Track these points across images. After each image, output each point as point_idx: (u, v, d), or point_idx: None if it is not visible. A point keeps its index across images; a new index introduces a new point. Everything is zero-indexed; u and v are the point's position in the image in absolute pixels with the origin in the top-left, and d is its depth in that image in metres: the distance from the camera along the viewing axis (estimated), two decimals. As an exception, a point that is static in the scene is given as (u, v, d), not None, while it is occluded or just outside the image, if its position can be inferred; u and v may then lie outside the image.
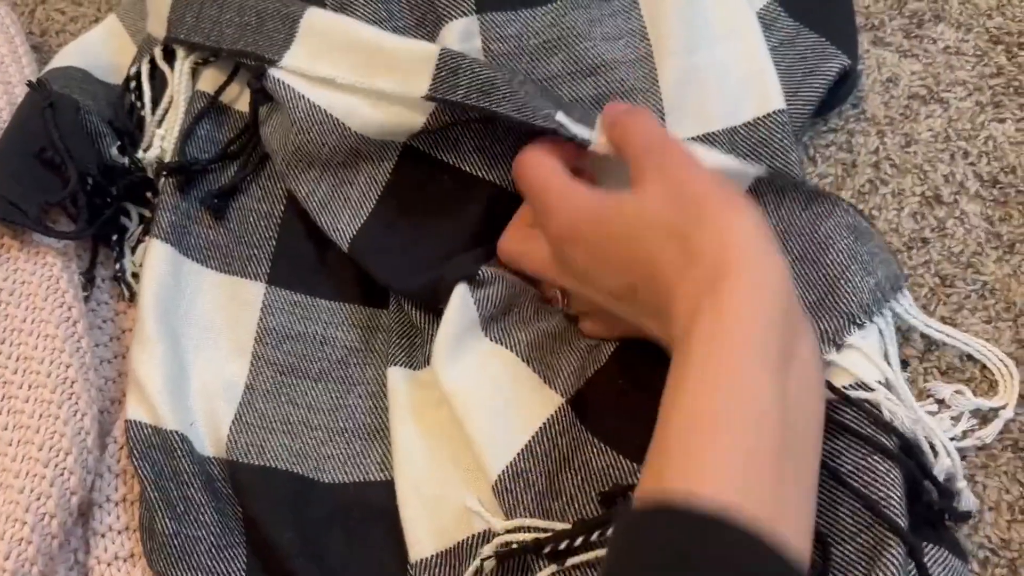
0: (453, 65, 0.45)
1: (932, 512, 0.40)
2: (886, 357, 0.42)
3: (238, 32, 0.50)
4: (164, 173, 0.50)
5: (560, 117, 0.42)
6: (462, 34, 0.49)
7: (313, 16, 0.49)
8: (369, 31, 0.48)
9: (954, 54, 0.52)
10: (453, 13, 0.50)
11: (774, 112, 0.47)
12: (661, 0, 0.50)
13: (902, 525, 0.36)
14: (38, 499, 0.42)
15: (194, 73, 0.52)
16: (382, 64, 0.46)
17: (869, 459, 0.38)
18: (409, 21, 0.52)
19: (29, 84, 0.51)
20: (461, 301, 0.44)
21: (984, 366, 0.44)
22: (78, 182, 0.48)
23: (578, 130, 0.42)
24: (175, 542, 0.42)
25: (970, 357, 0.45)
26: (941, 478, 0.40)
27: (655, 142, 0.40)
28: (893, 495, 0.37)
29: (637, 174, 0.39)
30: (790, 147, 0.46)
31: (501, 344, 0.45)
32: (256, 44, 0.49)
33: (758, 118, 0.47)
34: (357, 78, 0.47)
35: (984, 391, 0.44)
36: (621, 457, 0.41)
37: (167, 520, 0.43)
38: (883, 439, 0.39)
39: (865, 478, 0.38)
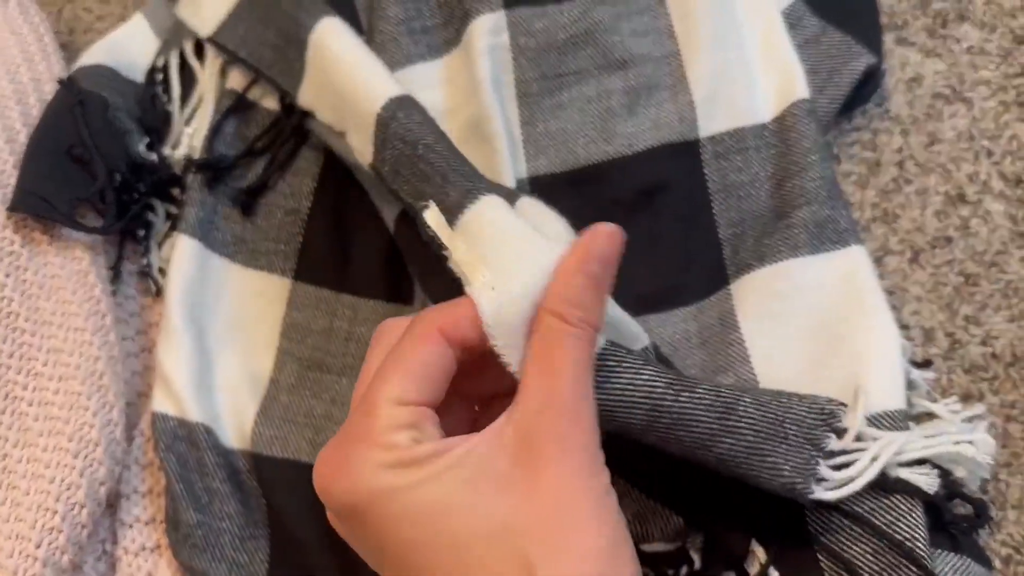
0: (384, 135, 0.43)
1: (955, 525, 0.39)
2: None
3: (274, 55, 0.50)
4: (192, 169, 0.51)
5: (429, 213, 0.35)
6: (491, 30, 0.50)
7: (317, 41, 0.48)
8: (355, 62, 0.46)
9: (978, 54, 0.52)
10: (481, 9, 0.50)
11: (798, 101, 0.47)
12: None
13: (929, 566, 0.36)
14: (68, 489, 0.42)
15: (222, 70, 0.53)
16: (352, 114, 0.45)
17: (891, 497, 0.37)
18: (437, 19, 0.53)
19: (60, 82, 0.52)
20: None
21: (1010, 364, 0.44)
22: (107, 178, 0.49)
23: (438, 230, 0.34)
24: (199, 533, 0.43)
25: (994, 355, 0.45)
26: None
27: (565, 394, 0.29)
28: (918, 535, 0.36)
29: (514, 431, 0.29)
30: (812, 133, 0.46)
31: None
32: (282, 73, 0.49)
33: (784, 109, 0.47)
34: (341, 126, 0.47)
35: (1007, 389, 0.44)
36: (643, 496, 0.41)
37: (191, 511, 0.43)
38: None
39: (888, 517, 0.37)
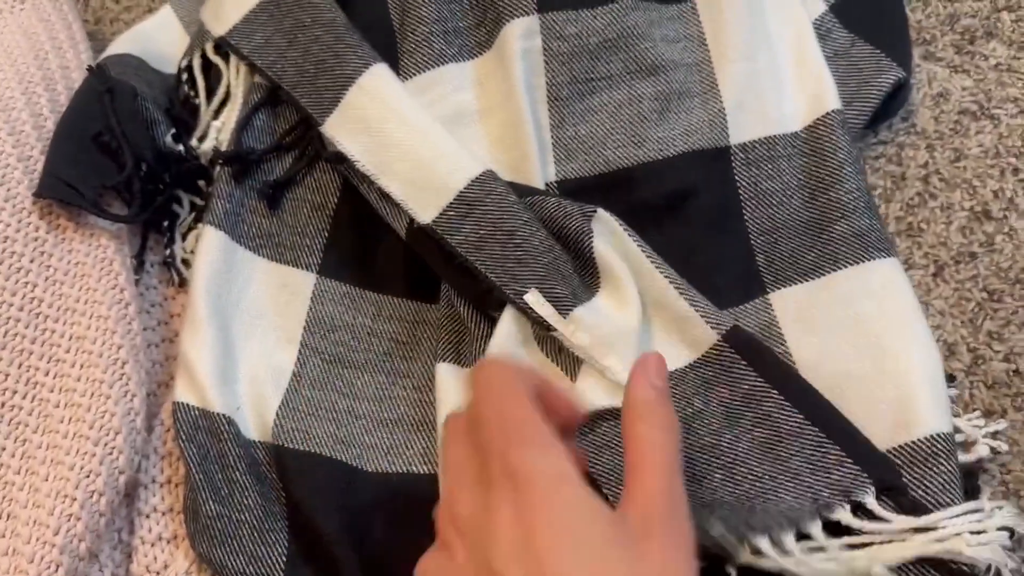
0: (466, 209, 0.45)
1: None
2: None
3: (297, 76, 0.51)
4: (220, 161, 0.51)
5: (531, 298, 0.42)
6: (524, 33, 0.50)
7: (363, 85, 0.49)
8: (410, 132, 0.48)
9: (1005, 71, 0.52)
10: (515, 12, 0.50)
11: (831, 112, 0.47)
12: (720, 8, 0.51)
13: None
14: (87, 476, 0.42)
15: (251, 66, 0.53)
16: (402, 169, 0.47)
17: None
18: (469, 20, 0.53)
19: (89, 69, 0.52)
20: (513, 319, 0.44)
21: (1034, 380, 0.45)
22: (134, 167, 0.49)
23: (547, 314, 0.42)
24: (218, 524, 0.43)
25: (1016, 371, 0.45)
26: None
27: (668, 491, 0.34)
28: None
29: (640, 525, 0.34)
30: (845, 144, 0.47)
31: (553, 361, 0.45)
32: (308, 98, 0.50)
33: (816, 119, 0.47)
34: (373, 170, 0.48)
35: (1031, 406, 0.44)
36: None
37: (211, 502, 0.43)
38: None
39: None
